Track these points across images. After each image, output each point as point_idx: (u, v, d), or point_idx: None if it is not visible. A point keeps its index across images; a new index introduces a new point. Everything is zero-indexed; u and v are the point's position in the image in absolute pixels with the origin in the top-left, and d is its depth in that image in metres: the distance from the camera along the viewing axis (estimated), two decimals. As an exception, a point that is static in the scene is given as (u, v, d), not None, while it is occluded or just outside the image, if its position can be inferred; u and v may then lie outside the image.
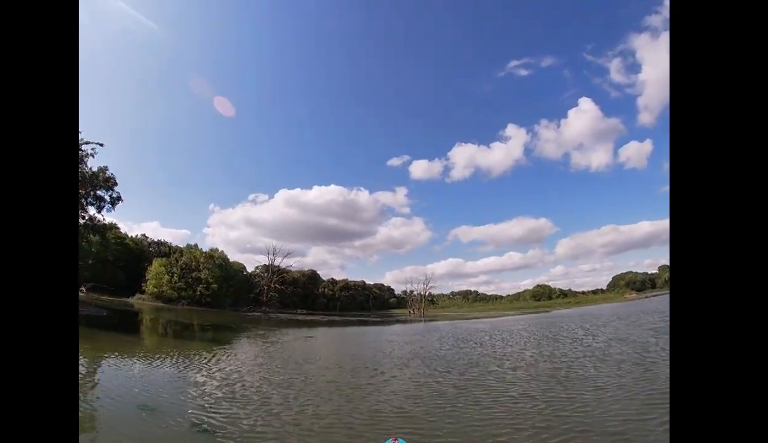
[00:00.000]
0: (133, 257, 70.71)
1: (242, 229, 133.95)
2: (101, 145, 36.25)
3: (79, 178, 36.46)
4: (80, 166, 36.45)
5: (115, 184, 39.96)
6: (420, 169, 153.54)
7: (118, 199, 40.76)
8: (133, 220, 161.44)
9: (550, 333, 27.23)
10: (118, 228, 72.22)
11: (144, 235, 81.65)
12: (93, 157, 37.19)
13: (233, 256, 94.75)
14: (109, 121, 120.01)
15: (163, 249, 75.79)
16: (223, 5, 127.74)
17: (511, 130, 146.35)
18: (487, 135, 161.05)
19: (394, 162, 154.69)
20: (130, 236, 76.68)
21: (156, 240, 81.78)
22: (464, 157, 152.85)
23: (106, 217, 43.14)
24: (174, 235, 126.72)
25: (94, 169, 38.30)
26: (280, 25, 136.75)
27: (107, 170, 39.26)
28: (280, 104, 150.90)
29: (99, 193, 39.32)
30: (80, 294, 55.01)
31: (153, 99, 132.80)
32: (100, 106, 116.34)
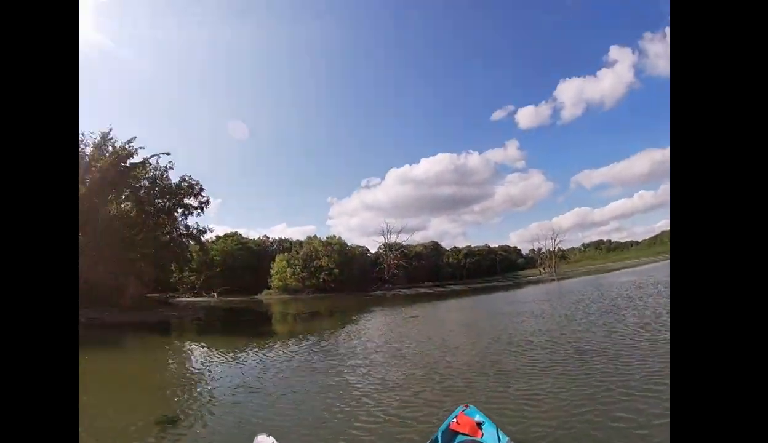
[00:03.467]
0: (257, 258, 72.02)
1: (362, 215, 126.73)
2: (168, 154, 35.48)
3: (164, 190, 35.83)
4: (163, 179, 35.84)
5: (202, 189, 38.97)
6: (527, 116, 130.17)
7: (206, 202, 39.83)
8: (262, 226, 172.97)
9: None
10: (239, 234, 75.37)
11: (265, 236, 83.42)
12: (172, 169, 36.41)
13: (358, 241, 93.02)
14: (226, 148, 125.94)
15: (284, 246, 76.27)
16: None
17: (615, 52, 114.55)
18: (589, 63, 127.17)
19: (498, 115, 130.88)
20: (252, 239, 78.66)
21: (278, 238, 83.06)
22: (571, 93, 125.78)
23: (218, 225, 43.23)
24: (301, 232, 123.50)
25: (176, 181, 37.85)
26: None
27: (190, 177, 38.60)
28: (368, 86, 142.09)
29: (188, 201, 38.40)
30: (212, 298, 57.24)
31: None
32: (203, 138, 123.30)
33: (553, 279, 58.66)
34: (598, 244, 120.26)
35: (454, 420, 5.79)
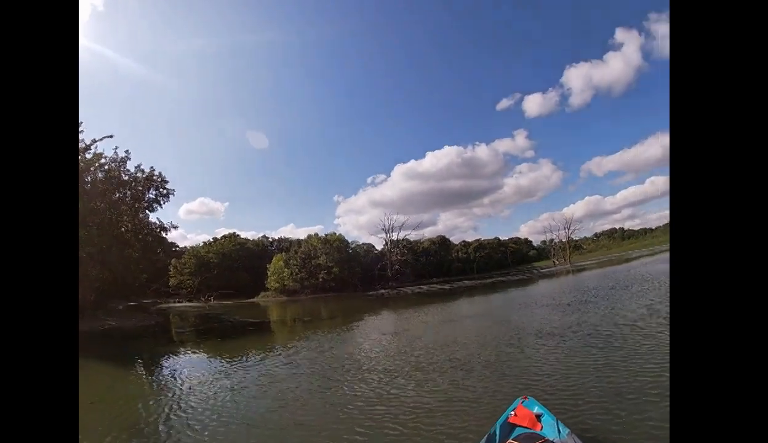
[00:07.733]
0: (257, 258, 67.10)
1: (369, 212, 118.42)
2: (111, 136, 30.39)
3: (117, 182, 31.22)
4: (121, 172, 31.31)
5: (164, 181, 33.83)
6: (534, 104, 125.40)
7: (166, 195, 34.30)
8: (270, 227, 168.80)
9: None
10: (238, 235, 70.93)
11: (264, 236, 78.51)
12: (130, 159, 31.58)
13: (367, 239, 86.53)
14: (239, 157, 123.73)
15: (284, 245, 71.11)
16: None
17: (621, 34, 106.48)
18: (595, 47, 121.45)
19: (505, 104, 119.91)
20: (252, 239, 74.03)
21: (277, 238, 78.18)
22: (579, 79, 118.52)
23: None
24: (309, 232, 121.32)
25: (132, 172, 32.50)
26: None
27: (152, 168, 33.41)
28: (367, 81, 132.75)
29: (149, 195, 33.54)
30: (207, 303, 52.75)
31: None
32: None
33: (569, 271, 52.90)
34: (611, 233, 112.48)
35: (513, 412, 5.16)
